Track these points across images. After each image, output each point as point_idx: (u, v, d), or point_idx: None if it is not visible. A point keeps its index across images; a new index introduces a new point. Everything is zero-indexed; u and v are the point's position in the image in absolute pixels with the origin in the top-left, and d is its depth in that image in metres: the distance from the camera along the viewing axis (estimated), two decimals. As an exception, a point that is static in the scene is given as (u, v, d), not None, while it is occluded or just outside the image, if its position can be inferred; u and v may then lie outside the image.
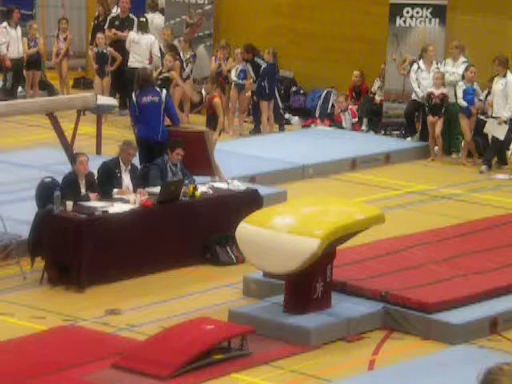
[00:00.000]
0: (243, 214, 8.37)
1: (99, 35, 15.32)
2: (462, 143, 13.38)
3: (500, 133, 13.02)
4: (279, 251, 7.86)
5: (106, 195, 9.31)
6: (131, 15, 15.54)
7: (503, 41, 14.07)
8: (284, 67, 15.42)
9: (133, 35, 15.14)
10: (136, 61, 14.87)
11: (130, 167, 9.69)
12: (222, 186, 10.08)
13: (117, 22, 15.58)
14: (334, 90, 15.25)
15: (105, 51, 15.12)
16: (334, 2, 15.40)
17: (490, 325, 8.14)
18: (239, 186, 10.10)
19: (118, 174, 9.58)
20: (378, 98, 14.77)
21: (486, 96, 13.31)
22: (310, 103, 15.56)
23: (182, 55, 14.96)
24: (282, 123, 14.68)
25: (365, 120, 14.80)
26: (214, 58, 14.94)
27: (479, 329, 8.09)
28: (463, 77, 13.13)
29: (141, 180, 9.81)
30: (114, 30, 15.47)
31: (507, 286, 8.61)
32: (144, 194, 9.39)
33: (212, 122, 11.45)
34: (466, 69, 13.16)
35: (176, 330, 7.58)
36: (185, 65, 14.96)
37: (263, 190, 10.43)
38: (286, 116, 15.35)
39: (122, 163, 9.64)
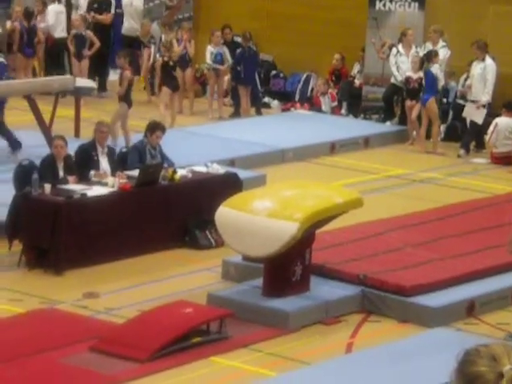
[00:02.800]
0: (222, 198, 8.37)
1: (75, 17, 15.22)
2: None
3: (478, 117, 13.07)
4: (258, 235, 7.87)
5: (83, 178, 9.28)
6: None
7: (482, 25, 14.11)
8: (264, 51, 15.39)
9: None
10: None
11: (106, 150, 9.66)
12: (202, 169, 10.07)
13: (95, 5, 15.48)
14: (313, 74, 15.25)
15: (83, 33, 15.00)
16: (314, -15, 15.38)
17: (466, 308, 8.21)
18: (218, 169, 10.09)
19: (95, 157, 9.54)
20: (357, 82, 14.78)
21: (465, 80, 13.35)
22: (290, 87, 15.54)
23: (162, 38, 14.90)
24: (258, 107, 14.65)
25: (344, 104, 14.81)
26: (178, 40, 14.85)
27: (456, 312, 8.16)
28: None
29: (119, 163, 9.78)
30: (92, 13, 15.36)
31: (484, 269, 8.68)
32: (122, 177, 9.36)
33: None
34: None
35: (154, 314, 7.59)
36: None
37: (242, 174, 10.43)
38: (266, 100, 15.33)
39: (98, 145, 9.60)
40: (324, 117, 14.35)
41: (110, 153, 9.71)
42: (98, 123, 9.82)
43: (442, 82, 13.12)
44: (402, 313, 8.09)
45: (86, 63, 15.06)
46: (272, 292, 8.05)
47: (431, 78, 12.94)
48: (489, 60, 12.97)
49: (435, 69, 12.95)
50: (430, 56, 13.02)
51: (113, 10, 15.30)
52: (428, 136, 13.57)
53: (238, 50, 14.34)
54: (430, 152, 12.95)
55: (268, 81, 15.65)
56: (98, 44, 15.00)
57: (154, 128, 9.92)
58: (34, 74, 15.59)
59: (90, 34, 15.03)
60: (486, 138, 13.01)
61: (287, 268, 8.05)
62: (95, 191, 9.08)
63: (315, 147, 12.83)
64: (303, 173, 11.89)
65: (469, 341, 6.82)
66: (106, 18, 15.20)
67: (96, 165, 9.52)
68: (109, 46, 15.38)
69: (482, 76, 12.90)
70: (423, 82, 13.06)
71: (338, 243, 9.06)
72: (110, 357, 7.09)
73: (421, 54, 13.50)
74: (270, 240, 7.84)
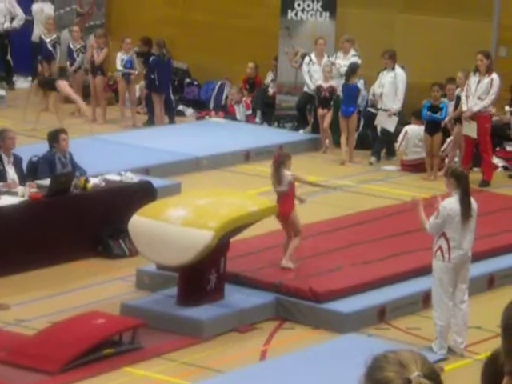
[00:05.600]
0: (136, 207, 8.30)
1: None
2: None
3: (390, 125, 13.32)
4: (172, 243, 7.84)
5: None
6: None
7: (391, 34, 14.40)
8: (178, 58, 15.36)
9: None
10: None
11: (12, 159, 9.47)
12: (115, 177, 9.97)
13: None
14: (227, 82, 15.29)
15: None
16: (227, -7, 15.43)
17: (378, 313, 8.33)
18: (132, 177, 10.01)
19: (1, 167, 9.35)
20: (271, 91, 14.89)
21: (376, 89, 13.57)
22: (204, 95, 15.54)
23: (71, 45, 14.71)
24: (172, 115, 14.60)
25: (258, 112, 14.90)
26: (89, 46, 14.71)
27: (368, 317, 8.28)
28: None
29: (29, 172, 9.60)
30: None
31: (395, 274, 8.84)
32: (33, 187, 9.19)
33: None
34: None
35: (65, 325, 7.47)
36: (75, 55, 14.71)
37: (157, 182, 10.37)
38: (180, 108, 15.29)
39: (3, 155, 9.42)
40: (238, 125, 14.40)
41: (16, 161, 9.53)
42: (3, 131, 9.61)
43: (363, 95, 13.33)
44: (315, 319, 8.17)
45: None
46: (186, 301, 8.02)
47: (354, 92, 13.13)
48: (398, 69, 13.24)
49: (361, 84, 13.15)
50: (354, 69, 13.20)
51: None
52: (339, 144, 13.76)
53: (152, 58, 14.27)
54: (347, 161, 13.12)
55: (182, 89, 15.61)
56: None
57: (56, 134, 9.79)
58: None
59: None
60: (396, 145, 13.26)
61: (202, 276, 8.04)
62: (4, 201, 8.89)
63: (230, 155, 12.86)
64: (218, 181, 11.89)
65: (379, 346, 6.93)
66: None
67: (2, 175, 9.32)
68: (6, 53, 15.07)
69: (393, 85, 13.15)
70: (340, 93, 13.24)
71: (252, 251, 9.09)
72: (20, 369, 6.95)
73: (339, 63, 13.64)
74: (185, 249, 7.82)
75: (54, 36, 14.88)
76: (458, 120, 12.63)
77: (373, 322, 8.25)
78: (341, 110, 13.20)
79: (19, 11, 15.42)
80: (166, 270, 8.41)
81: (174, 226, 7.88)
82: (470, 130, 12.38)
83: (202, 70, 15.48)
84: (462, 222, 7.72)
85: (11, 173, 9.39)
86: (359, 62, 13.67)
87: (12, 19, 15.40)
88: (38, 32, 15.49)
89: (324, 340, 7.88)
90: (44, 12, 15.64)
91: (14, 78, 15.45)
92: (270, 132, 14.29)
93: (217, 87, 15.35)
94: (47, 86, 13.59)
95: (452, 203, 7.75)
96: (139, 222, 8.04)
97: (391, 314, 8.39)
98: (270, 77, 15.01)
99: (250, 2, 15.24)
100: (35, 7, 15.79)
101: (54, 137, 9.79)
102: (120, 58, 14.33)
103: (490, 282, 9.17)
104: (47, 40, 14.82)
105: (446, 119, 12.72)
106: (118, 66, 14.36)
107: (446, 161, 12.75)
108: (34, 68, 15.47)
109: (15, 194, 9.09)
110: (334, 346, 7.71)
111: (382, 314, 8.33)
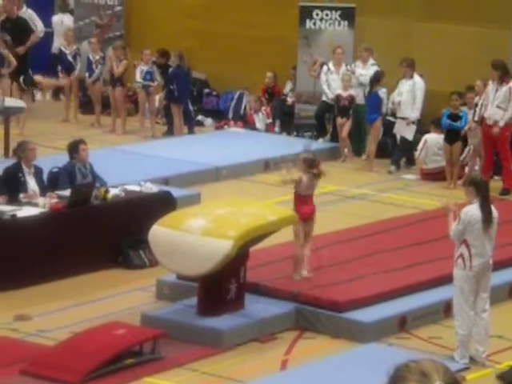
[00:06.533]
0: (156, 217, 8.32)
1: None
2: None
3: (409, 133, 13.29)
4: (192, 253, 7.85)
5: (12, 200, 9.13)
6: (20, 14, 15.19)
7: (410, 43, 14.38)
8: (196, 69, 15.41)
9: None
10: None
11: (33, 170, 9.53)
12: (135, 188, 10.00)
13: (8, 25, 15.10)
14: (246, 92, 15.32)
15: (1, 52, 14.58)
16: (245, 3, 15.47)
17: (399, 323, 8.30)
18: (152, 188, 10.04)
19: (22, 178, 9.41)
20: (289, 100, 14.90)
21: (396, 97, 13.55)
22: (223, 105, 15.58)
23: (91, 56, 14.79)
24: (191, 126, 14.65)
25: (277, 121, 14.91)
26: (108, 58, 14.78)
27: (388, 327, 8.25)
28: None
29: (50, 183, 9.66)
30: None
31: (416, 284, 8.80)
32: (53, 198, 9.24)
33: None
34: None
35: (86, 335, 7.50)
36: (94, 66, 14.80)
37: (176, 192, 10.40)
38: (199, 118, 15.33)
39: (24, 166, 9.47)
40: (258, 134, 14.42)
41: (37, 172, 9.59)
42: (24, 143, 9.68)
43: (386, 104, 13.32)
44: (336, 328, 8.15)
45: (8, 83, 14.71)
46: (206, 311, 8.03)
47: (377, 100, 13.12)
48: (417, 77, 13.22)
49: (382, 92, 13.14)
50: (378, 77, 13.20)
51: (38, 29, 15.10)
52: (359, 153, 13.75)
53: (171, 69, 14.33)
54: (367, 170, 13.10)
55: (201, 99, 15.66)
56: (14, 63, 14.60)
57: (76, 144, 9.85)
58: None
59: (6, 52, 14.55)
60: (416, 154, 13.22)
61: (221, 286, 8.04)
62: (25, 212, 8.94)
63: (249, 165, 12.87)
64: (237, 191, 11.91)
65: (400, 356, 6.91)
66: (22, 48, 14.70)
67: (24, 186, 9.38)
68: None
69: (411, 93, 13.13)
70: (360, 102, 13.24)
71: (272, 260, 9.09)
72: (41, 380, 6.97)
73: (358, 72, 13.64)
74: (205, 258, 7.82)
75: (74, 47, 14.97)
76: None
77: (394, 332, 8.22)
78: (366, 118, 13.24)
79: (39, 23, 15.53)
80: (186, 279, 8.42)
81: (194, 236, 7.90)
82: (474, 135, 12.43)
83: (220, 80, 15.52)
84: (483, 229, 7.70)
85: (32, 184, 9.44)
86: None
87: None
88: (57, 44, 15.58)
89: (344, 350, 7.86)
90: (64, 23, 15.73)
91: (35, 90, 15.54)
92: (289, 141, 14.30)
93: (236, 97, 15.38)
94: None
95: (473, 209, 7.74)
96: (159, 232, 8.07)
97: (412, 324, 8.35)
98: (288, 86, 15.03)
99: (268, 12, 15.27)
100: (55, 19, 15.89)
101: (74, 147, 9.85)
102: (139, 69, 14.40)
103: (511, 291, 9.11)
104: (67, 52, 14.91)
105: (466, 127, 12.69)
106: (138, 77, 14.42)
107: (466, 169, 12.70)
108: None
109: (36, 204, 9.15)
110: (354, 355, 7.68)
111: (402, 324, 8.30)
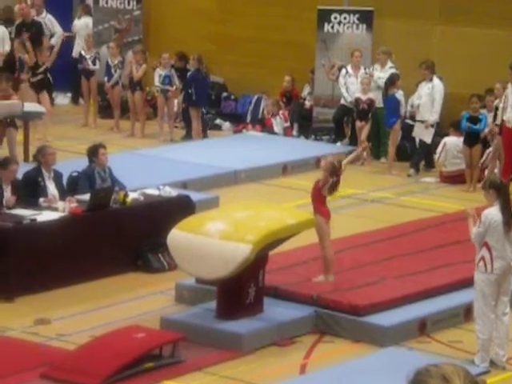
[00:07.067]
0: (175, 221, 8.34)
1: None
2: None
3: (427, 136, 13.24)
4: (211, 257, 7.85)
5: (32, 205, 9.18)
6: (36, 18, 15.26)
7: (428, 46, 14.34)
8: (214, 73, 15.44)
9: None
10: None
11: (52, 174, 9.58)
12: (154, 192, 10.03)
13: (24, 29, 15.17)
14: (264, 96, 15.32)
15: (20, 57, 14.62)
16: (263, 7, 15.48)
17: (418, 326, 8.27)
18: (171, 192, 10.06)
19: (42, 183, 9.45)
20: (307, 103, 14.89)
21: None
22: (241, 108, 15.59)
23: (110, 61, 14.85)
24: (205, 129, 14.65)
25: (295, 125, 14.90)
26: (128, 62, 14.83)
27: (408, 330, 8.21)
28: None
29: (70, 188, 9.70)
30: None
31: (435, 287, 8.77)
32: (73, 202, 9.28)
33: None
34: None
35: (106, 339, 7.52)
36: (113, 70, 14.86)
37: (195, 196, 10.41)
38: (218, 121, 15.36)
39: (44, 171, 9.52)
40: (276, 138, 14.42)
41: (57, 177, 9.63)
42: (43, 147, 9.73)
43: (404, 106, 13.27)
44: (355, 332, 8.12)
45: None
46: (225, 314, 8.03)
47: (394, 103, 13.08)
48: (436, 80, 13.17)
49: (399, 95, 13.10)
50: (393, 80, 13.15)
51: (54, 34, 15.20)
52: (378, 156, 13.71)
53: (189, 73, 14.36)
54: (386, 173, 13.07)
55: (219, 103, 15.68)
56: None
57: (96, 149, 9.89)
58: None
59: (26, 57, 14.58)
60: (435, 157, 13.17)
61: (241, 290, 8.04)
62: (45, 216, 8.98)
63: (267, 168, 12.87)
64: (256, 194, 11.91)
65: (420, 360, 6.88)
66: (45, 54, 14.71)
67: (44, 191, 9.43)
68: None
69: (430, 96, 13.08)
70: (379, 105, 13.21)
71: (290, 264, 9.08)
72: (61, 384, 7.00)
73: (376, 75, 13.61)
74: (224, 262, 7.83)
75: (94, 52, 15.04)
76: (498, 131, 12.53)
77: (414, 336, 8.18)
78: (385, 121, 13.22)
79: (58, 28, 15.62)
80: (205, 283, 8.43)
81: (213, 240, 7.90)
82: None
83: (238, 83, 15.54)
84: (503, 232, 7.67)
85: (52, 188, 9.48)
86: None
87: (51, 37, 15.59)
88: (78, 48, 15.66)
89: (364, 353, 7.83)
90: (88, 27, 15.82)
91: (54, 94, 15.62)
92: (307, 144, 14.28)
93: (254, 101, 15.39)
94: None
95: (494, 212, 7.71)
96: (178, 235, 8.08)
97: (432, 327, 8.32)
98: (306, 90, 15.02)
99: (286, 16, 15.28)
100: (80, 22, 15.96)
101: (94, 152, 9.90)
102: (158, 73, 14.44)
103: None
104: (87, 56, 14.97)
105: (486, 130, 12.63)
106: (156, 81, 14.46)
107: (486, 172, 12.64)
108: (74, 84, 15.64)
109: (56, 209, 9.18)
110: (374, 359, 7.66)
111: (422, 327, 8.27)
